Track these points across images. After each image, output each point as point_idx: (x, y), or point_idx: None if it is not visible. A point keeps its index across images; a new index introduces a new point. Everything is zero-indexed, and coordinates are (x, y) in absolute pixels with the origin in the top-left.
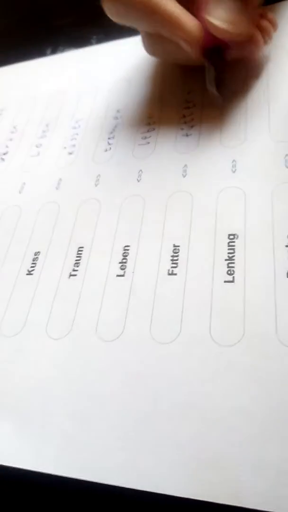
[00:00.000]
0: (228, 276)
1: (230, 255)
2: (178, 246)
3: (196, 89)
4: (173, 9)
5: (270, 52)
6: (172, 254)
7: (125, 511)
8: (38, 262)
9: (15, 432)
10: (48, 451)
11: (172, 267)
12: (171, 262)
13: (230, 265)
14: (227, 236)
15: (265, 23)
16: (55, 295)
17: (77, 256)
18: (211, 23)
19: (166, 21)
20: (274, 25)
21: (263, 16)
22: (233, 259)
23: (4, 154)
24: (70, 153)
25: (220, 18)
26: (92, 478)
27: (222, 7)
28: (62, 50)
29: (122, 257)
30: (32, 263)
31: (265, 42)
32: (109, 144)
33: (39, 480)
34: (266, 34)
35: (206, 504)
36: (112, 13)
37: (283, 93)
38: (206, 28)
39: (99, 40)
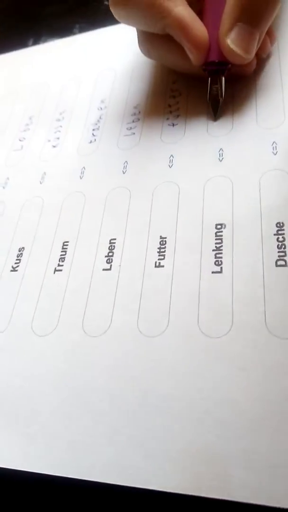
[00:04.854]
0: (216, 266)
1: (218, 245)
2: (165, 237)
3: (182, 78)
4: (184, 13)
5: None
6: (159, 246)
7: (114, 508)
8: (23, 258)
9: (0, 431)
10: (34, 449)
11: (159, 259)
12: (158, 254)
13: (217, 255)
14: (214, 226)
15: (265, 39)
16: (40, 291)
17: (62, 251)
18: (228, 47)
19: (176, 25)
20: (272, 40)
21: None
22: (221, 249)
23: None
24: (54, 146)
25: (236, 43)
26: (80, 476)
27: (240, 32)
28: (45, 41)
29: (108, 251)
30: (17, 259)
31: (260, 59)
32: (93, 135)
33: (26, 479)
34: (263, 51)
35: (196, 498)
36: (121, 16)
37: (270, 79)
38: (216, 42)
39: (82, 29)
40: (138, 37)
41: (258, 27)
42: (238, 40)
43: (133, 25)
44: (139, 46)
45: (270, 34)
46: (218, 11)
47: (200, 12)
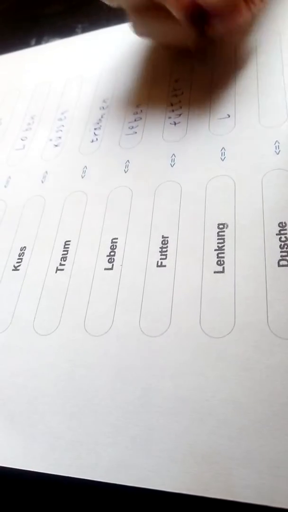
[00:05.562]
0: (218, 266)
1: (220, 245)
2: (167, 237)
3: (184, 77)
4: None
5: (258, 37)
6: (161, 245)
7: (116, 508)
8: (24, 257)
9: (2, 430)
10: (36, 448)
11: (161, 258)
12: (160, 253)
13: (220, 255)
14: (216, 225)
15: None
16: (42, 290)
17: (63, 250)
18: None
19: None
20: None
21: None
22: (223, 249)
23: None
24: (56, 145)
25: None
26: (82, 475)
27: None
28: (47, 40)
29: (110, 250)
30: (18, 258)
31: (250, 10)
32: (95, 134)
33: (28, 479)
34: (250, 1)
35: (198, 498)
36: None
37: (273, 78)
38: None
39: (85, 29)
40: (129, 19)
41: None
42: None
43: (122, 2)
44: (132, 28)
45: None
46: None
47: None
